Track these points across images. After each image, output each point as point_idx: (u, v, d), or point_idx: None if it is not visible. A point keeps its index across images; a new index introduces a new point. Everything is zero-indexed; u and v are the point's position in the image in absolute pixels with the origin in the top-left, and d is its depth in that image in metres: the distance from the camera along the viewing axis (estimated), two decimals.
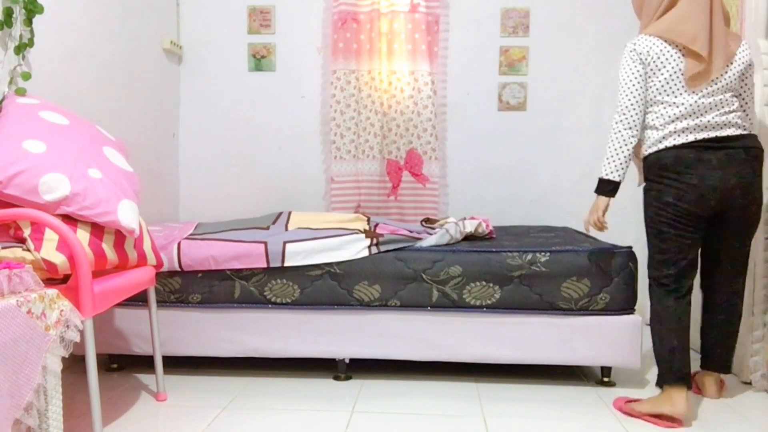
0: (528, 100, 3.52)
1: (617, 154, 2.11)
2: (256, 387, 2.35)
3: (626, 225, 3.25)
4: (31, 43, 2.22)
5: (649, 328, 2.15)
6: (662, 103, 2.07)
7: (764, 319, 2.36)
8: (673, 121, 2.05)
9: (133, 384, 2.37)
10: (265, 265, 2.36)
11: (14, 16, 2.16)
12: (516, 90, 3.53)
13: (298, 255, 2.36)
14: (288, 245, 2.37)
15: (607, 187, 2.16)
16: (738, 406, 2.19)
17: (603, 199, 2.19)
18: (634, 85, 2.10)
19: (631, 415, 2.09)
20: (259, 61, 3.60)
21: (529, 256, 2.34)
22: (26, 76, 2.20)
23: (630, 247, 2.37)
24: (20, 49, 2.19)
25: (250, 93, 3.62)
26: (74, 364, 2.40)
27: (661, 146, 2.07)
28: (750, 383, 2.39)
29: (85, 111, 2.61)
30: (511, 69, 3.53)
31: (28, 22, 2.21)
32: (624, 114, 2.10)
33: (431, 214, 3.42)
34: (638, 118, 2.10)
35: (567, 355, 2.33)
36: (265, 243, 2.37)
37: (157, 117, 3.38)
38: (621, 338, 2.30)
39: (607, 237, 2.91)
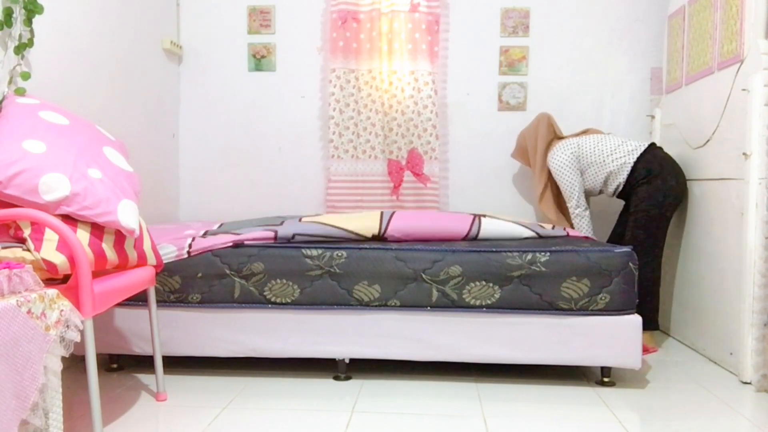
0: (528, 100, 3.52)
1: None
2: (256, 387, 2.35)
3: None
4: (30, 43, 2.22)
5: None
6: None
7: (764, 319, 2.36)
8: None
9: (133, 384, 2.37)
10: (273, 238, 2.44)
11: (14, 16, 2.16)
12: (516, 90, 3.53)
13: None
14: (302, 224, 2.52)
15: None
16: (738, 406, 2.19)
17: None
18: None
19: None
20: (259, 61, 3.60)
21: (529, 256, 2.34)
22: (26, 76, 2.20)
23: (630, 247, 2.37)
24: (20, 49, 2.19)
25: (250, 93, 3.62)
26: (74, 364, 2.40)
27: None
28: (750, 383, 2.39)
29: (85, 111, 2.61)
30: (511, 69, 3.53)
31: (28, 22, 2.21)
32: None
33: None
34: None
35: (567, 355, 2.33)
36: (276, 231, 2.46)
37: (157, 117, 3.38)
38: (621, 338, 2.30)
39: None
